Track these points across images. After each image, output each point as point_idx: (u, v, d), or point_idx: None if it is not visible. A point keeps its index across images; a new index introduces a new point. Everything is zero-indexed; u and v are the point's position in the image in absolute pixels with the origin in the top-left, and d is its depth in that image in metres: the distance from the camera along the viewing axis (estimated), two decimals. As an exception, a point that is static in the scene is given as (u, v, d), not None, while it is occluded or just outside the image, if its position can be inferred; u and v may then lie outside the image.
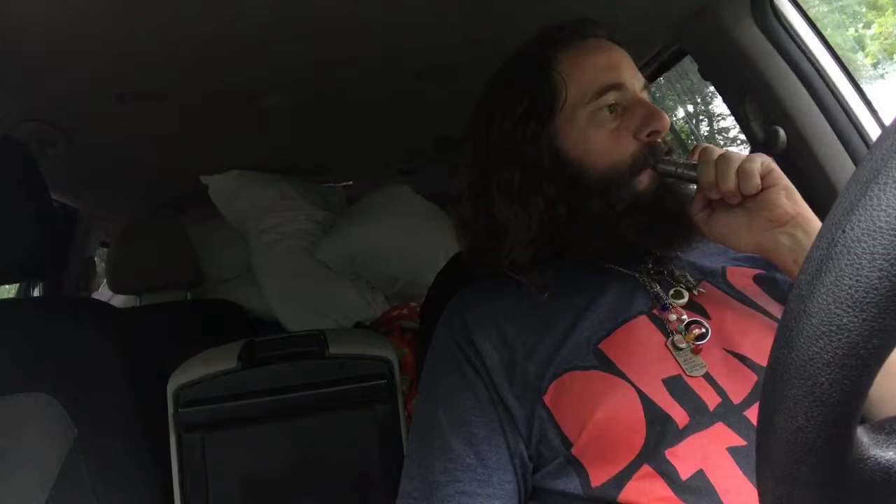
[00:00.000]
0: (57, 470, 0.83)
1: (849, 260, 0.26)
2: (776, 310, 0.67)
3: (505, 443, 0.63)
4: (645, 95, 0.72)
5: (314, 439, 0.96)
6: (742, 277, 0.71)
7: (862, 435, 0.29)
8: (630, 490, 0.57)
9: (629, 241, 0.68)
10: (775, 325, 0.30)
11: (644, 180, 0.68)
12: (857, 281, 0.26)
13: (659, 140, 0.68)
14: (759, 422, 0.31)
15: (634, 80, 0.72)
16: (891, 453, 0.29)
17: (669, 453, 0.57)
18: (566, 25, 0.75)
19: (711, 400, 0.60)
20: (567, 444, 0.61)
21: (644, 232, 0.68)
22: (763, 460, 0.31)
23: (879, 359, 0.27)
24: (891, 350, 0.27)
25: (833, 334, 0.27)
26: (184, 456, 0.92)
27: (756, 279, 0.71)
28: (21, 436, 0.83)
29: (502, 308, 0.70)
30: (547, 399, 0.63)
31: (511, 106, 0.72)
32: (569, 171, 0.69)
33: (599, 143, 0.69)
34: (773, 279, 0.71)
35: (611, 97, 0.69)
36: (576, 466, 0.60)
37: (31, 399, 0.84)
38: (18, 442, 0.83)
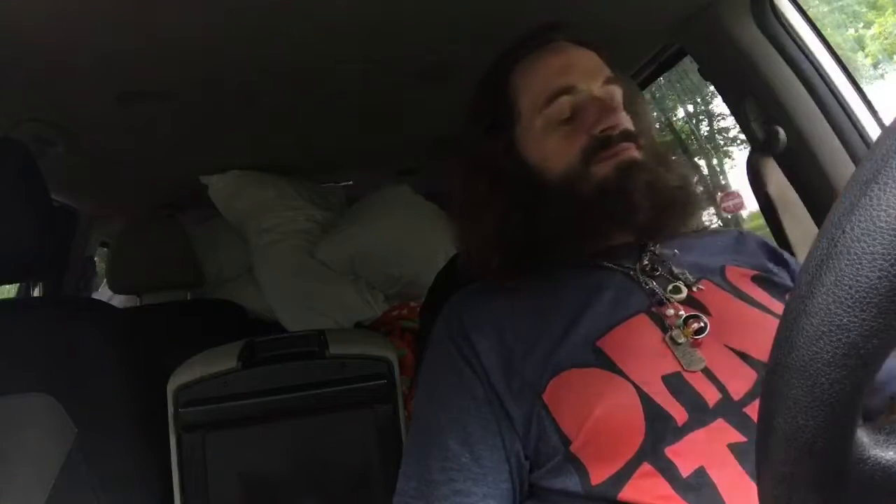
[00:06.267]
0: (57, 470, 0.83)
1: (849, 260, 0.26)
2: (777, 308, 0.67)
3: (501, 442, 0.63)
4: (608, 91, 0.73)
5: (314, 439, 0.96)
6: (741, 276, 0.71)
7: (862, 435, 0.29)
8: (631, 489, 0.57)
9: (603, 231, 0.70)
10: (776, 321, 0.30)
11: (602, 168, 0.69)
12: (857, 281, 0.26)
13: (615, 133, 0.69)
14: (759, 421, 0.31)
15: (590, 78, 0.72)
16: (891, 453, 0.29)
17: (669, 451, 0.57)
18: (527, 34, 0.77)
19: (711, 396, 0.60)
20: (566, 441, 0.61)
21: (618, 220, 0.69)
22: (763, 460, 0.31)
23: (879, 359, 0.27)
24: (891, 350, 0.27)
25: (833, 334, 0.27)
26: (184, 456, 0.91)
27: (754, 279, 0.71)
28: (21, 436, 0.83)
29: (501, 307, 0.70)
30: (546, 397, 0.63)
31: (478, 120, 0.77)
32: (532, 179, 0.72)
33: (554, 148, 0.71)
34: (770, 280, 0.71)
35: (563, 101, 0.71)
36: (575, 464, 0.60)
37: (31, 399, 0.84)
38: (18, 442, 0.83)
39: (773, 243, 0.80)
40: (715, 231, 0.83)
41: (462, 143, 0.79)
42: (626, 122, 0.72)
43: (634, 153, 0.70)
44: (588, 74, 0.73)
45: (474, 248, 0.75)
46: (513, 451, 0.63)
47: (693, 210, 0.74)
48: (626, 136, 0.70)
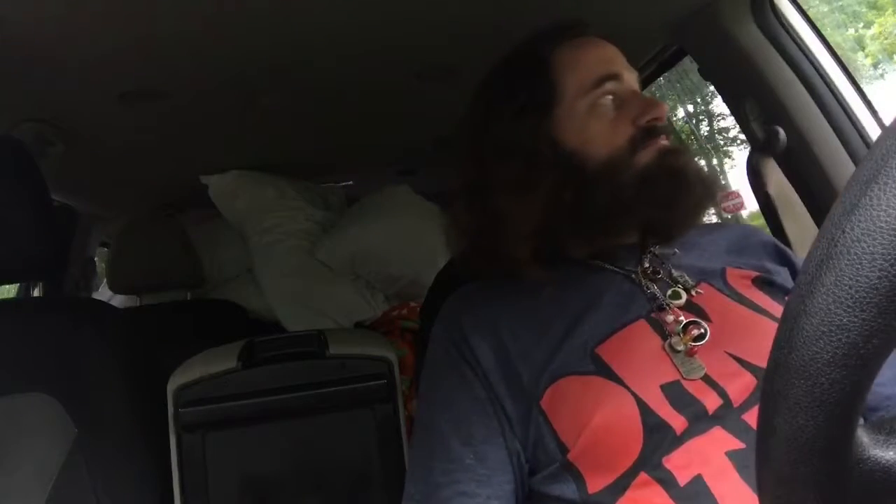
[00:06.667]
0: (57, 470, 0.83)
1: (849, 260, 0.26)
2: (777, 311, 0.66)
3: (504, 442, 0.63)
4: (639, 86, 0.73)
5: (314, 439, 0.96)
6: (742, 279, 0.71)
7: (862, 435, 0.29)
8: (628, 499, 0.57)
9: (649, 218, 0.68)
10: (776, 325, 0.30)
11: (645, 156, 0.68)
12: (857, 281, 0.26)
13: (659, 124, 0.69)
14: (758, 422, 0.31)
15: (629, 73, 0.73)
16: (891, 453, 0.29)
17: (667, 460, 0.57)
18: (560, 25, 0.76)
19: (712, 403, 0.59)
20: (563, 449, 0.61)
21: (662, 205, 0.67)
22: (763, 461, 0.31)
23: (879, 359, 0.27)
24: (891, 350, 0.27)
25: (833, 334, 0.27)
26: (184, 456, 0.91)
27: (755, 281, 0.71)
28: (21, 436, 0.83)
29: (498, 308, 0.70)
30: (543, 403, 0.62)
31: (509, 100, 0.72)
32: (569, 161, 0.69)
33: (599, 132, 0.69)
34: (771, 282, 0.71)
35: (609, 87, 0.70)
36: (572, 473, 0.60)
37: (31, 399, 0.84)
38: (18, 442, 0.83)
39: (777, 241, 0.78)
40: (716, 227, 0.81)
41: (482, 127, 0.74)
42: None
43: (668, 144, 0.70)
44: (628, 69, 0.73)
45: (510, 235, 0.69)
46: (514, 452, 0.63)
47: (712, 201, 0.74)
48: (665, 129, 0.70)
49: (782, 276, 0.72)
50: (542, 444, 0.62)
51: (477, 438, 0.63)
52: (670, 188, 0.67)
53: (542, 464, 0.62)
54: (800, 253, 0.98)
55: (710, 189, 0.71)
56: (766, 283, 0.70)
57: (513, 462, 0.63)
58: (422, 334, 1.01)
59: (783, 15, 1.02)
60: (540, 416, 0.62)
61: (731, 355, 0.62)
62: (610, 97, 0.70)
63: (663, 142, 0.69)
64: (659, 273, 0.70)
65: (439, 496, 0.62)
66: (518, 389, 0.64)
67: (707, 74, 1.16)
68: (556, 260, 0.70)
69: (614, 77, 0.70)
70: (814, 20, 1.02)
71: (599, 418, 0.59)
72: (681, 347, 0.62)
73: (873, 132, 0.97)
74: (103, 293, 2.10)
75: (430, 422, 0.67)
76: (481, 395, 0.65)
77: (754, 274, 0.71)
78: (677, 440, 0.58)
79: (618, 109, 0.70)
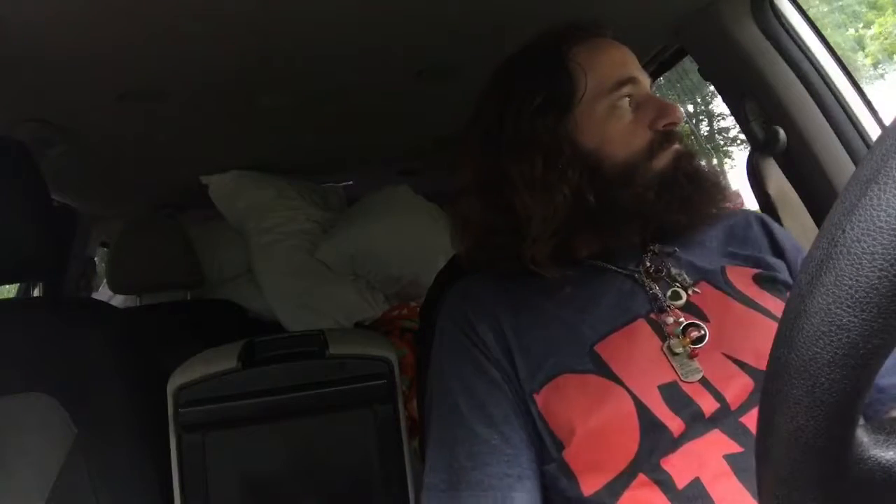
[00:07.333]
0: (57, 470, 0.83)
1: (849, 260, 0.26)
2: (777, 309, 0.66)
3: (522, 423, 0.64)
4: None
5: (314, 439, 0.96)
6: (742, 276, 0.70)
7: (862, 435, 0.29)
8: (626, 499, 0.57)
9: (664, 220, 0.68)
10: (775, 325, 0.30)
11: (663, 160, 0.68)
12: (857, 281, 0.26)
13: (675, 129, 0.69)
14: (758, 422, 0.31)
15: (644, 76, 0.73)
16: (891, 453, 0.29)
17: (665, 462, 0.57)
18: (577, 25, 0.75)
19: (709, 406, 0.59)
20: (559, 447, 0.61)
21: (679, 208, 0.68)
22: (763, 460, 0.31)
23: (879, 359, 0.27)
24: (891, 350, 0.27)
25: (833, 334, 0.27)
26: (184, 456, 0.91)
27: (756, 278, 0.70)
28: (21, 436, 0.83)
29: (499, 302, 0.70)
30: (539, 400, 0.63)
31: (527, 97, 0.71)
32: (587, 161, 0.68)
33: (617, 133, 0.69)
34: (772, 278, 0.70)
35: (627, 90, 0.70)
36: (565, 472, 0.60)
37: (30, 399, 0.84)
38: (18, 442, 0.83)
39: (774, 230, 0.77)
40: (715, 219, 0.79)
41: (496, 123, 0.72)
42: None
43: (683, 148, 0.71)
44: (642, 73, 0.73)
45: (532, 233, 0.68)
46: (531, 434, 0.64)
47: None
48: (680, 133, 0.71)
49: (781, 269, 0.72)
50: (539, 440, 0.62)
51: (498, 419, 0.63)
52: (688, 191, 0.67)
53: (542, 460, 0.63)
54: (799, 253, 0.98)
55: (723, 191, 0.71)
56: (767, 280, 0.70)
57: (532, 444, 0.63)
58: (422, 334, 1.01)
59: (783, 15, 1.02)
60: (535, 412, 0.63)
61: (728, 357, 0.62)
62: (627, 99, 0.70)
63: (678, 146, 0.69)
64: (661, 272, 0.70)
65: (468, 480, 0.62)
66: (517, 384, 0.64)
67: (707, 74, 1.16)
68: (564, 259, 0.70)
69: (632, 80, 0.71)
70: (814, 20, 1.02)
71: (597, 417, 0.59)
72: (679, 350, 0.62)
73: (873, 132, 0.97)
74: (103, 293, 2.10)
75: (449, 410, 0.67)
76: (496, 376, 0.66)
77: (755, 271, 0.71)
78: (675, 442, 0.58)
79: (635, 112, 0.70)
